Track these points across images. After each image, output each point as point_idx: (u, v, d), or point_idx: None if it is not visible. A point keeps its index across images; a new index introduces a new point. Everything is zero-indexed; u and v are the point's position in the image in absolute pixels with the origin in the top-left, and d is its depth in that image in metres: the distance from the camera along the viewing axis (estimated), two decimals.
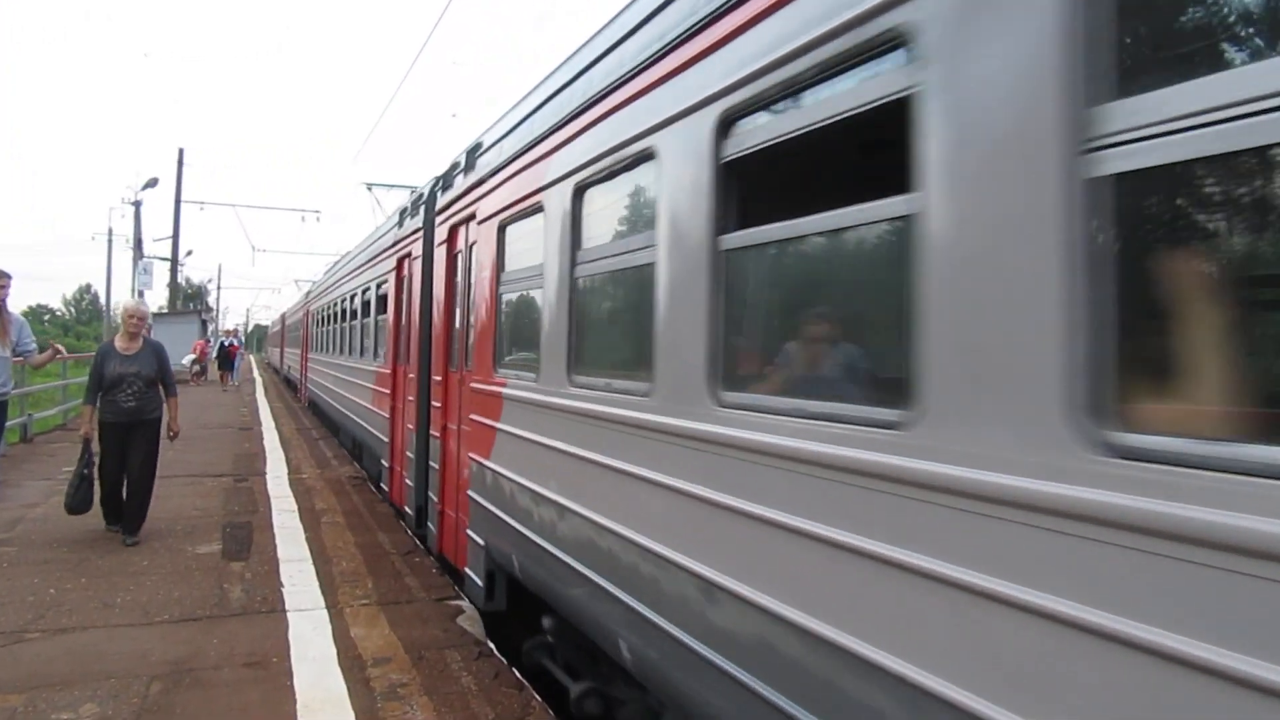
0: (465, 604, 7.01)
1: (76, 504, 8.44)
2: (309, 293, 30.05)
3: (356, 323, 14.97)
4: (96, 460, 8.46)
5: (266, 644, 5.89)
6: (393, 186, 20.27)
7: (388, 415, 10.80)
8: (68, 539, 8.49)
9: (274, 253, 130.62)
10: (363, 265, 14.50)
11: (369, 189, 20.48)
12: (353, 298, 15.50)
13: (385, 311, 11.60)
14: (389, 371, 10.83)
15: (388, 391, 10.87)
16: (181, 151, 41.91)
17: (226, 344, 35.32)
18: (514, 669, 5.73)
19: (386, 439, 10.95)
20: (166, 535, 8.78)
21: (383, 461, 11.31)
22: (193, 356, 35.45)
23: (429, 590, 7.35)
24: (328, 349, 19.99)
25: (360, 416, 13.40)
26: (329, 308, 20.07)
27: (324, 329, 21.32)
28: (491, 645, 6.16)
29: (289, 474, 13.19)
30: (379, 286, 12.41)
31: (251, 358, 71.01)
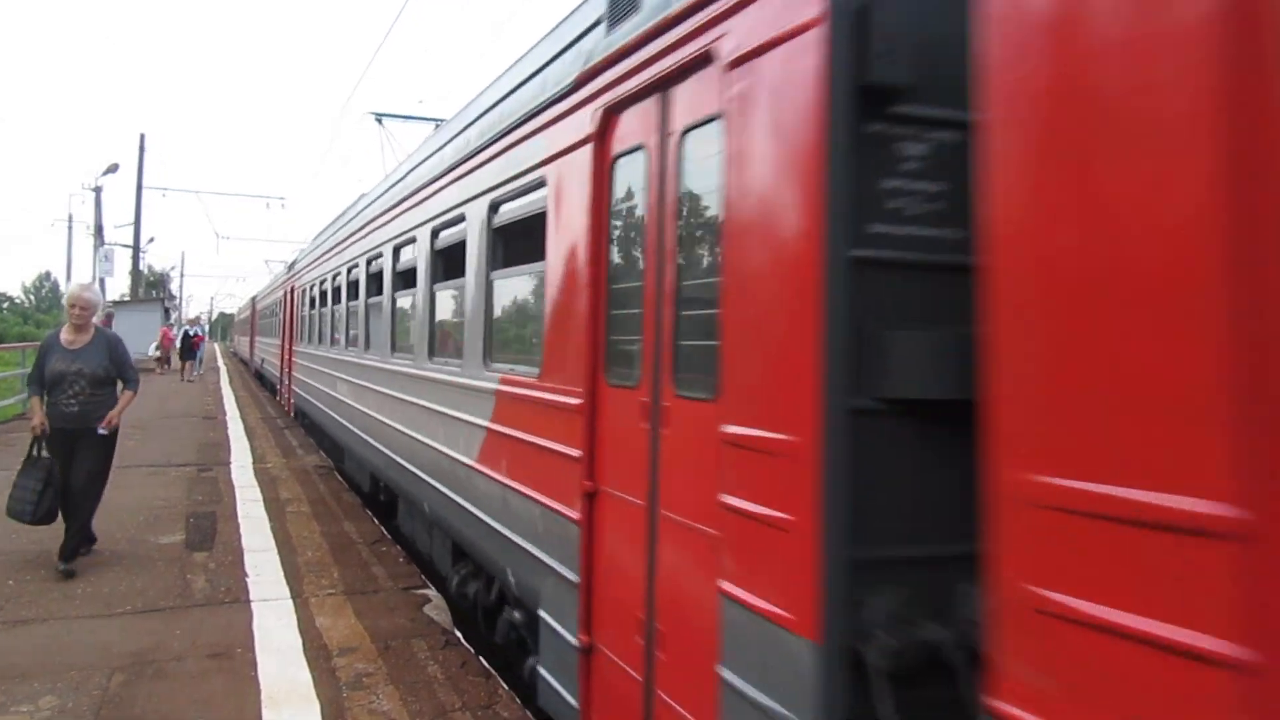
0: (432, 593, 7.01)
1: (41, 515, 7.12)
2: (294, 263, 21.73)
3: (413, 295, 7.78)
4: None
5: (230, 635, 5.85)
6: (409, 118, 16.29)
7: (571, 516, 4.24)
8: (27, 529, 8.34)
9: (238, 240, 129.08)
10: (444, 178, 6.95)
11: (379, 121, 16.44)
12: (398, 251, 8.68)
13: (539, 256, 4.85)
14: (571, 402, 4.25)
15: (569, 455, 4.29)
16: (143, 137, 41.38)
17: (191, 333, 34.62)
18: (480, 657, 5.75)
19: (571, 574, 4.25)
20: (129, 526, 8.66)
21: (563, 650, 4.40)
22: (156, 344, 34.92)
23: (396, 579, 7.33)
24: (335, 341, 12.96)
25: (438, 476, 6.68)
26: (338, 276, 12.71)
27: (326, 310, 14.17)
28: (458, 634, 6.17)
29: (254, 463, 13.06)
30: (495, 208, 5.71)
31: (216, 346, 70.18)
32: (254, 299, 40.12)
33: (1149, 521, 1.68)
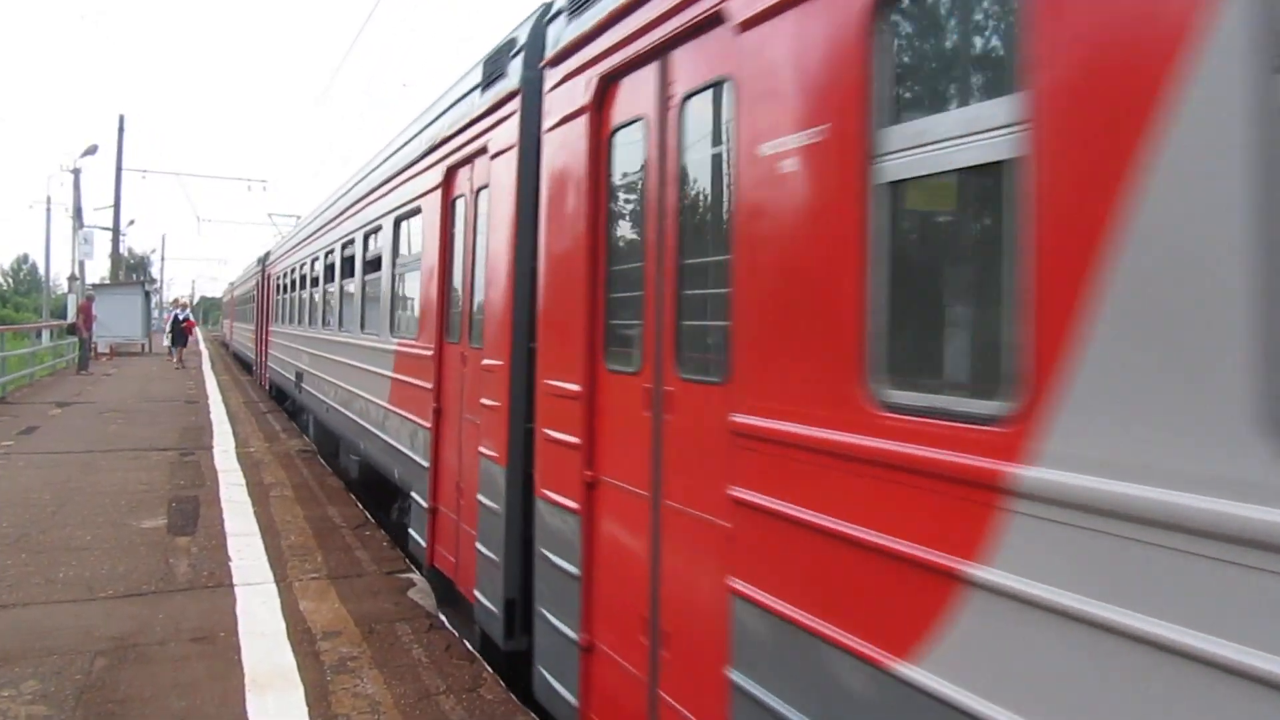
0: (416, 577, 7.02)
1: None
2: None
3: None
4: None
5: (214, 619, 5.85)
6: None
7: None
8: (5, 513, 8.31)
9: (219, 223, 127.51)
10: None
11: None
12: None
13: None
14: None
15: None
16: (122, 118, 40.89)
17: (181, 318, 33.59)
18: (465, 641, 5.77)
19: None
20: (111, 510, 8.63)
21: None
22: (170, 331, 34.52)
23: (380, 564, 7.34)
24: None
25: None
26: None
27: None
28: (443, 617, 6.19)
29: (237, 448, 13.00)
30: None
31: (198, 330, 69.79)
32: (263, 261, 26.49)
33: None
